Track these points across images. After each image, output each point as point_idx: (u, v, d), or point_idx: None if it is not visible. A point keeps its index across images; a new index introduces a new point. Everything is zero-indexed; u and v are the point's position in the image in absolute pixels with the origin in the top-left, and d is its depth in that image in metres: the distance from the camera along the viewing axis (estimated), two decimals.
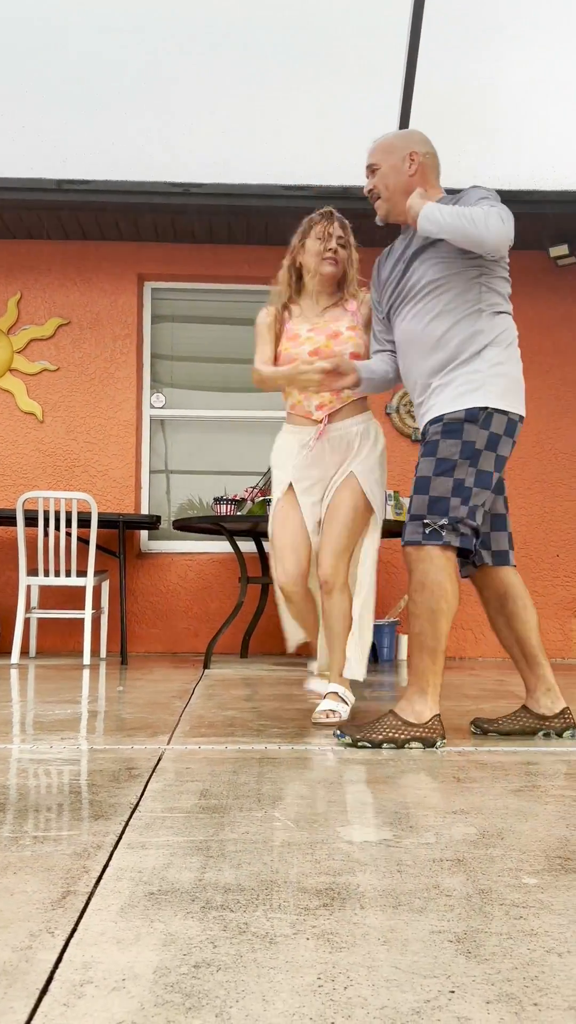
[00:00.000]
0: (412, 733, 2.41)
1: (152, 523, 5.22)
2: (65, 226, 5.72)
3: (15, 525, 4.97)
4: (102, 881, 1.29)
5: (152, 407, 6.08)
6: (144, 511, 5.97)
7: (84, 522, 4.93)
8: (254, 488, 5.05)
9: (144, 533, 5.89)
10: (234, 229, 5.75)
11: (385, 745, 2.40)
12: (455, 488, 2.46)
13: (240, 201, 5.38)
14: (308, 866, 1.37)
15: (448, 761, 2.24)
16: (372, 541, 3.00)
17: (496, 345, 2.54)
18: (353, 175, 5.27)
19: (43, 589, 5.50)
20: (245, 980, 0.96)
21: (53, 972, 0.98)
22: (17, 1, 4.45)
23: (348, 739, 2.43)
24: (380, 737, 2.41)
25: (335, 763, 2.20)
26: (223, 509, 4.98)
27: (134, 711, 3.03)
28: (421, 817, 1.67)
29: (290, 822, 1.62)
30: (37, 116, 4.97)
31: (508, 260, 2.62)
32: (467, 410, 2.48)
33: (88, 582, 4.85)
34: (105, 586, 5.40)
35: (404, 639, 5.45)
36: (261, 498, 4.91)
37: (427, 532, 2.46)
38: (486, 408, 2.48)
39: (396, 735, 2.41)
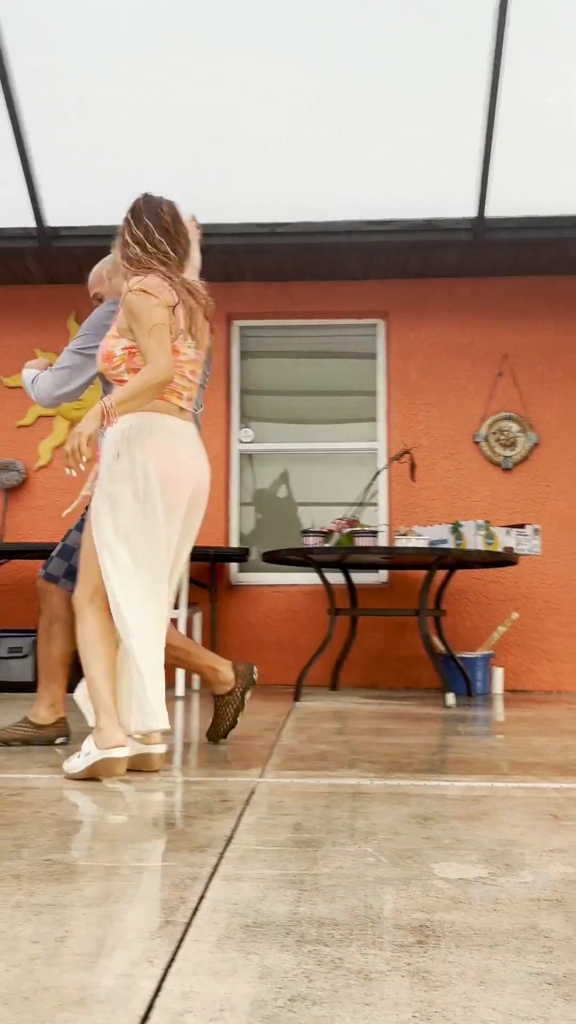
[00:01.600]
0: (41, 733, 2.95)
1: (242, 555, 5.29)
2: None
3: None
4: (199, 912, 1.31)
5: (240, 442, 6.18)
6: (234, 544, 6.06)
7: None
8: (342, 519, 5.07)
9: (234, 565, 5.97)
10: (318, 265, 5.84)
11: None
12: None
13: (324, 239, 5.46)
14: (402, 902, 1.36)
15: (545, 798, 2.19)
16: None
17: None
18: (435, 207, 5.30)
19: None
20: (341, 1015, 0.97)
21: (153, 1000, 1.00)
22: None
23: None
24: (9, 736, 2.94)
25: (429, 799, 2.18)
26: (311, 541, 5.02)
27: (226, 743, 3.06)
28: (518, 855, 1.65)
29: (383, 858, 1.62)
30: (139, 163, 5.17)
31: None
32: None
33: (181, 615, 4.93)
34: (197, 618, 5.48)
35: (499, 672, 5.36)
36: (349, 529, 4.92)
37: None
38: None
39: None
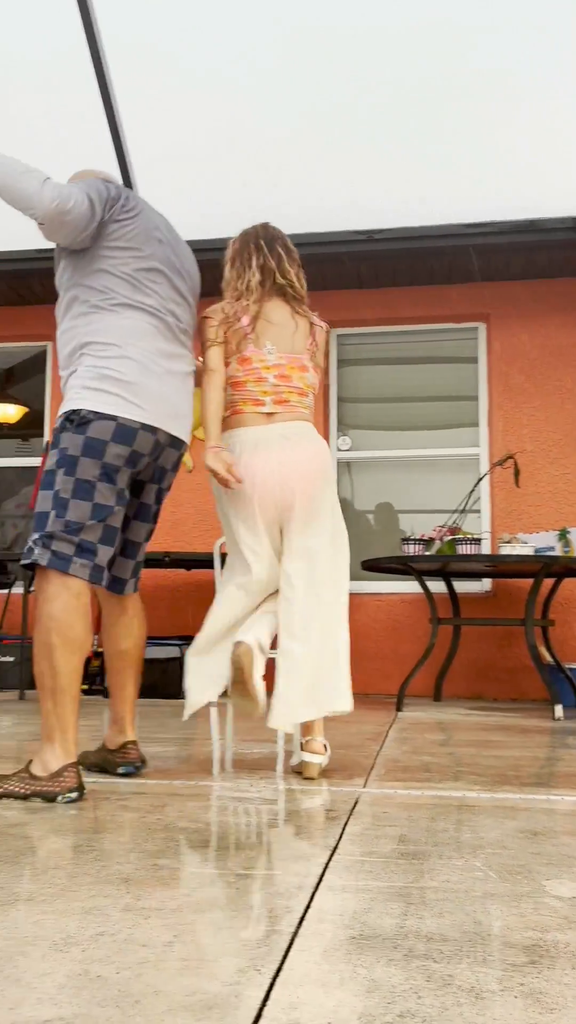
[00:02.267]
0: (34, 787, 2.18)
1: None
2: None
3: (213, 568, 5.17)
4: (304, 922, 1.31)
5: (339, 450, 6.17)
6: None
7: None
8: (443, 527, 5.00)
9: None
10: (417, 270, 5.79)
11: (5, 800, 2.19)
12: (53, 500, 2.27)
13: (422, 243, 5.42)
14: (513, 919, 1.32)
15: None
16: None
17: (101, 344, 2.34)
18: (536, 207, 5.19)
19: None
20: None
21: (261, 1009, 1.00)
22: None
23: None
24: (1, 791, 2.20)
25: (538, 813, 2.12)
26: (411, 549, 4.96)
27: (329, 753, 3.05)
28: None
29: (492, 872, 1.57)
30: (226, 176, 5.24)
31: (129, 252, 2.37)
32: (64, 414, 2.33)
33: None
34: None
35: None
36: (451, 537, 4.85)
37: (26, 551, 2.28)
38: (75, 413, 2.31)
39: (16, 789, 2.18)
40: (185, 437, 2.50)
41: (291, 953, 1.18)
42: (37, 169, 2.26)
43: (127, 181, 5.16)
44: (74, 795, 2.17)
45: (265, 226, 2.83)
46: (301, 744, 2.65)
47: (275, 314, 2.70)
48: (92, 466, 2.26)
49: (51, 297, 6.20)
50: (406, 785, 2.45)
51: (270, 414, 2.64)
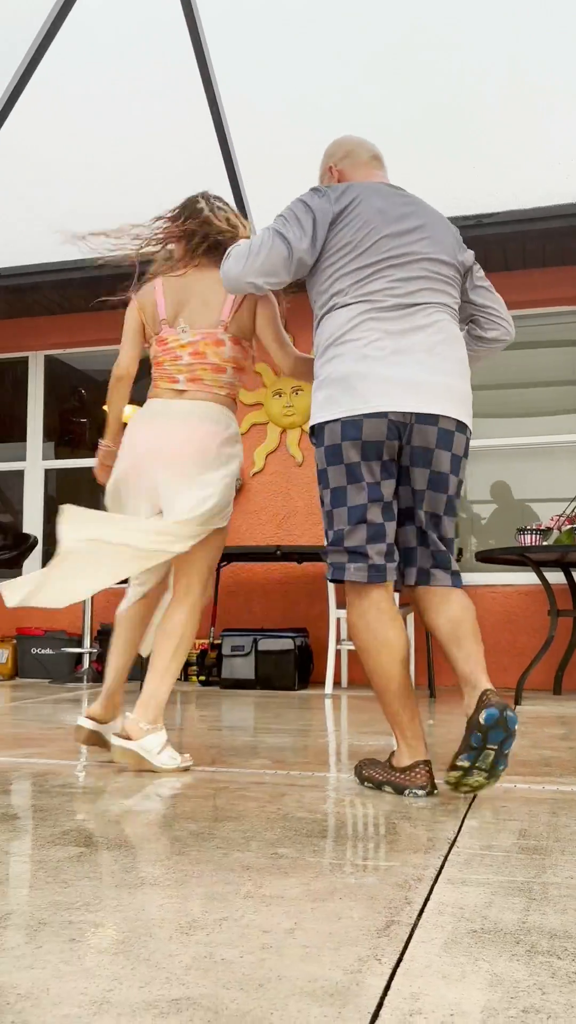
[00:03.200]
0: (387, 777, 2.23)
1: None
2: None
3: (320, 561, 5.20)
4: (424, 914, 1.30)
5: None
6: None
7: None
8: (561, 516, 4.87)
9: None
10: (529, 253, 5.65)
11: (366, 784, 2.30)
12: (324, 516, 2.30)
13: (532, 226, 5.28)
14: None
15: None
16: None
17: (319, 353, 2.32)
18: None
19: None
20: None
21: (382, 999, 1.01)
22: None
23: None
24: (365, 774, 2.31)
25: None
26: (528, 539, 4.85)
27: (445, 745, 3.02)
28: None
29: None
30: None
31: (345, 250, 2.28)
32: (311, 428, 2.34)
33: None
34: (410, 619, 5.45)
35: None
36: (569, 526, 4.71)
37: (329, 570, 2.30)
38: (311, 430, 2.33)
39: (376, 775, 2.27)
40: (435, 408, 2.22)
41: (411, 944, 1.18)
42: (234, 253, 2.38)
43: (232, 174, 5.23)
44: (421, 792, 2.18)
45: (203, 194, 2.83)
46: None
47: (198, 284, 2.73)
48: (337, 473, 2.24)
49: None
50: (525, 779, 2.40)
51: (182, 391, 2.69)
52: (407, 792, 2.19)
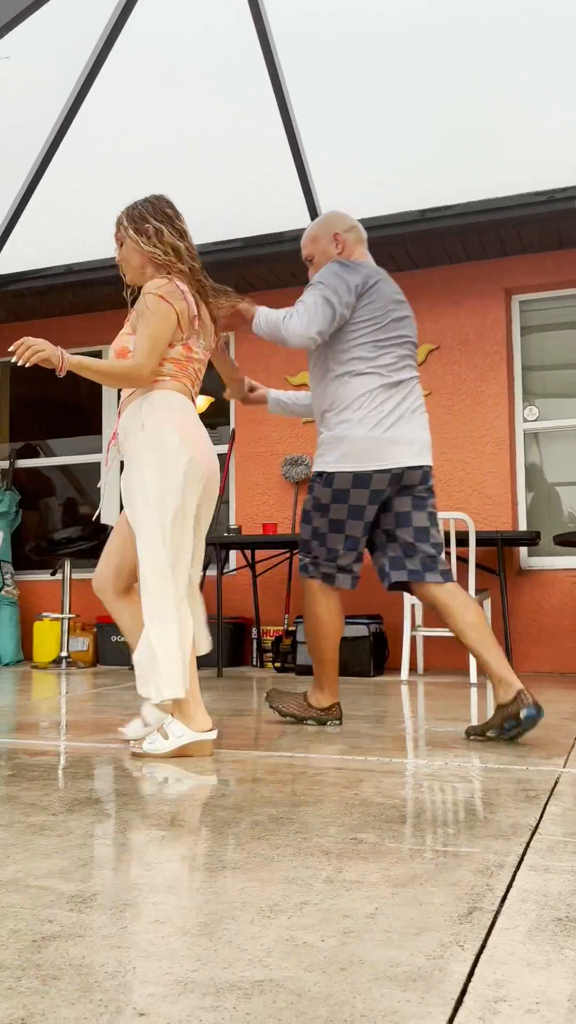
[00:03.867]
0: (308, 713, 3.12)
1: (532, 539, 5.11)
2: (431, 254, 5.87)
3: None
4: (507, 901, 1.29)
5: (525, 420, 5.97)
6: (522, 527, 5.87)
7: (462, 541, 4.97)
8: None
9: (523, 550, 5.79)
10: None
11: (287, 718, 3.16)
12: (312, 533, 3.03)
13: None
14: None
15: None
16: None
17: (336, 410, 2.94)
18: None
19: (427, 608, 5.64)
20: None
21: (466, 985, 1.00)
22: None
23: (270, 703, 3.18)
24: (285, 710, 3.15)
25: None
26: None
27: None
28: None
29: None
30: (394, 148, 5.17)
31: (369, 323, 2.90)
32: (316, 472, 3.00)
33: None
34: (487, 605, 5.38)
35: None
36: None
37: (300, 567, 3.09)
38: (322, 473, 2.96)
39: (298, 711, 3.14)
40: (415, 461, 2.93)
41: (494, 931, 1.17)
42: (276, 318, 2.88)
43: (301, 168, 5.21)
44: (338, 723, 3.12)
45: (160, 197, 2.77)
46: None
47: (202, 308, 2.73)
48: (339, 510, 2.94)
49: (235, 287, 6.37)
50: None
51: (193, 400, 2.74)
52: (328, 724, 3.11)
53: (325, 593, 3.06)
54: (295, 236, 5.75)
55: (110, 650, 6.21)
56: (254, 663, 6.04)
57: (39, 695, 4.34)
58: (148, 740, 2.56)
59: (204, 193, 5.49)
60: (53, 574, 6.68)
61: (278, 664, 5.76)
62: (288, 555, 6.11)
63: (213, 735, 2.55)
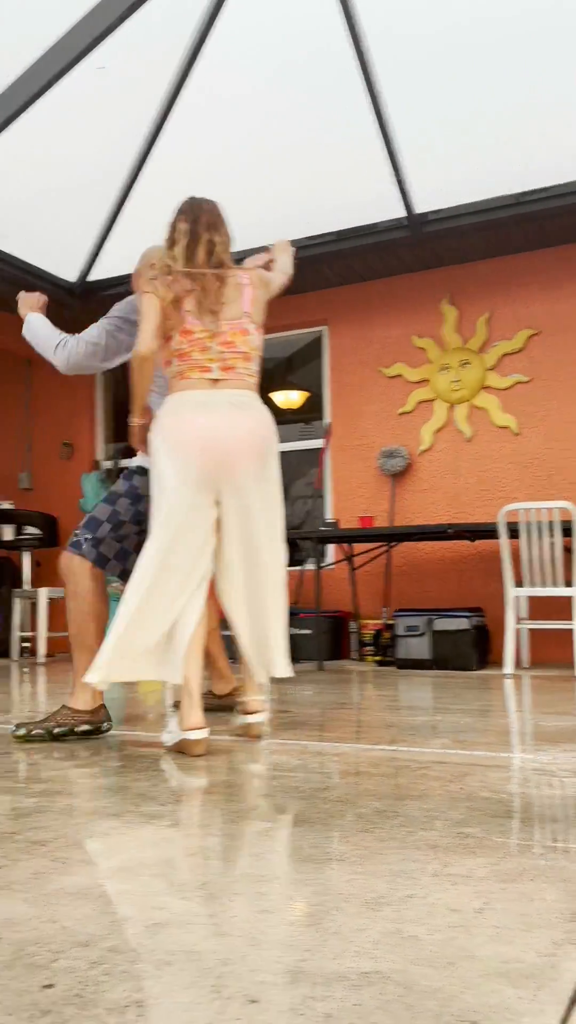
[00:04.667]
0: (81, 719, 2.80)
1: None
2: (527, 237, 5.73)
3: (498, 538, 5.07)
4: None
5: None
6: None
7: (567, 530, 4.85)
8: None
9: None
10: None
11: (57, 730, 2.77)
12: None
13: None
14: None
15: None
16: None
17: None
18: None
19: (531, 600, 5.52)
20: None
21: None
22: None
23: (22, 732, 2.74)
24: (52, 724, 2.77)
25: None
26: None
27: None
28: None
29: None
30: (490, 131, 5.07)
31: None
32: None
33: (574, 592, 4.75)
34: None
35: None
36: None
37: (71, 542, 2.95)
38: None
39: (67, 721, 2.78)
40: None
41: None
42: (56, 336, 3.11)
43: (395, 165, 5.16)
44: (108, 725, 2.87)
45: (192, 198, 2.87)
46: (239, 705, 2.85)
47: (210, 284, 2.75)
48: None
49: (327, 282, 6.37)
50: None
51: (216, 380, 2.68)
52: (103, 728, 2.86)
53: (84, 568, 2.94)
54: (389, 227, 5.71)
55: None
56: (354, 656, 6.04)
57: (146, 687, 4.45)
58: (167, 730, 2.67)
59: (295, 189, 5.52)
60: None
61: (378, 658, 5.74)
62: (386, 548, 6.08)
63: (199, 735, 2.50)
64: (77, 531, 2.95)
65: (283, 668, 2.77)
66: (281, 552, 2.77)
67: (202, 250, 2.75)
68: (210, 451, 2.61)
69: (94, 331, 3.09)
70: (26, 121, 4.65)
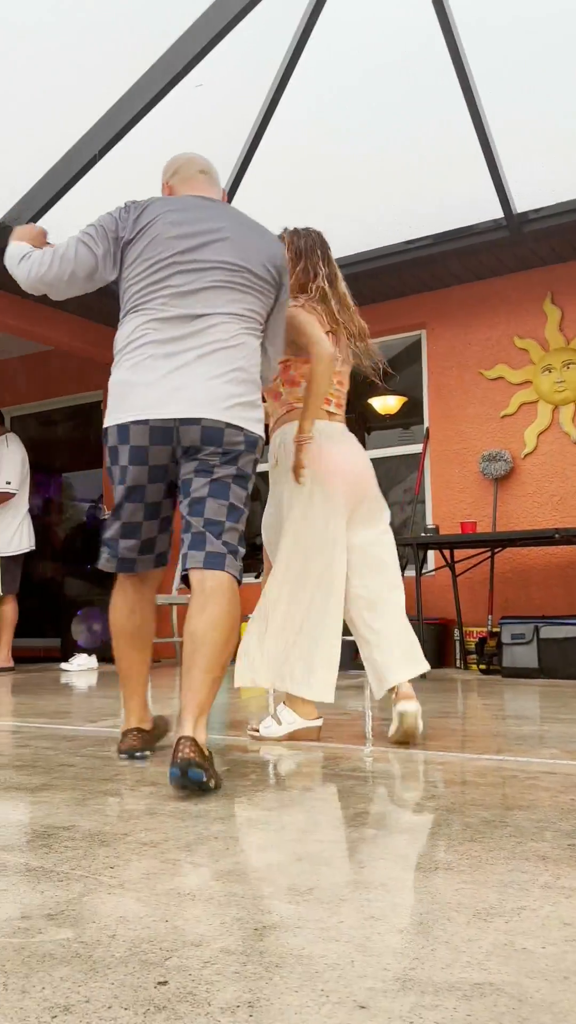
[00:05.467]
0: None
1: None
2: None
3: None
4: None
5: None
6: None
7: None
8: None
9: None
10: None
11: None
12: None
13: None
14: None
15: None
16: None
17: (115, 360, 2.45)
18: None
19: None
20: None
21: None
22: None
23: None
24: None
25: None
26: None
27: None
28: None
29: None
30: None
31: (143, 260, 2.40)
32: None
33: None
34: None
35: None
36: None
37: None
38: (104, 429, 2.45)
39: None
40: (189, 412, 2.28)
41: None
42: (25, 252, 2.55)
43: (492, 164, 5.09)
44: (123, 756, 2.54)
45: (321, 234, 3.05)
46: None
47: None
48: (113, 471, 2.41)
49: (424, 285, 6.33)
50: None
51: (332, 414, 2.92)
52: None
53: (119, 579, 2.58)
54: (487, 228, 5.63)
55: None
56: (457, 665, 5.96)
57: (248, 693, 4.50)
58: (264, 725, 2.89)
59: (393, 193, 5.51)
60: (257, 576, 6.89)
61: (483, 666, 5.64)
62: (489, 554, 5.98)
63: (319, 723, 2.86)
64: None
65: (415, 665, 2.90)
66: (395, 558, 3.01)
67: (340, 292, 2.98)
68: (351, 480, 2.87)
69: (67, 242, 2.52)
70: (129, 140, 4.80)
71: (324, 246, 3.02)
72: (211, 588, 2.23)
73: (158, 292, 2.37)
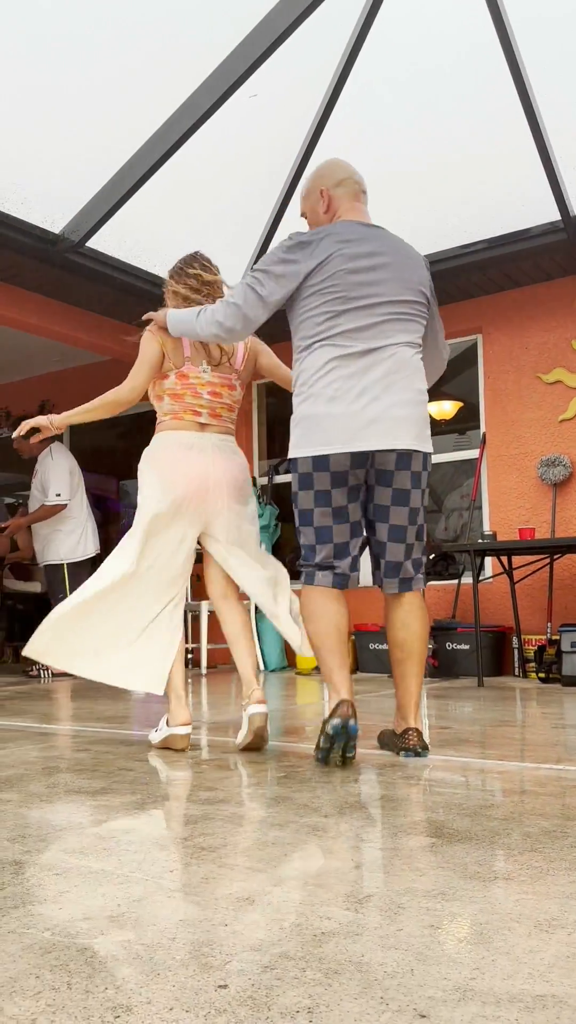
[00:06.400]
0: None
1: None
2: None
3: None
4: None
5: None
6: None
7: None
8: None
9: None
10: None
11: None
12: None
13: None
14: None
15: None
16: None
17: (296, 390, 2.67)
18: None
19: None
20: None
21: None
22: None
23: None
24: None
25: None
26: None
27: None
28: None
29: None
30: None
31: (323, 293, 2.58)
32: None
33: None
34: None
35: None
36: None
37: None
38: (291, 460, 2.70)
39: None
40: (383, 443, 2.56)
41: None
42: (191, 316, 2.77)
43: (552, 176, 5.03)
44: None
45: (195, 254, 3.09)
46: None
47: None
48: (306, 497, 2.65)
49: (479, 290, 6.28)
50: None
51: (204, 425, 2.97)
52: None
53: (310, 593, 2.72)
54: (543, 231, 5.57)
55: (369, 658, 6.30)
56: (516, 673, 5.88)
57: (303, 700, 4.50)
58: (155, 728, 3.00)
59: (445, 198, 5.48)
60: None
61: (542, 674, 5.56)
62: (548, 560, 5.89)
63: (186, 730, 2.84)
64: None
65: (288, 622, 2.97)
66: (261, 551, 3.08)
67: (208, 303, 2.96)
68: (196, 487, 2.90)
69: (235, 292, 2.72)
70: (184, 151, 4.86)
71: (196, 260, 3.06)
72: (412, 608, 2.74)
73: (338, 327, 2.59)
